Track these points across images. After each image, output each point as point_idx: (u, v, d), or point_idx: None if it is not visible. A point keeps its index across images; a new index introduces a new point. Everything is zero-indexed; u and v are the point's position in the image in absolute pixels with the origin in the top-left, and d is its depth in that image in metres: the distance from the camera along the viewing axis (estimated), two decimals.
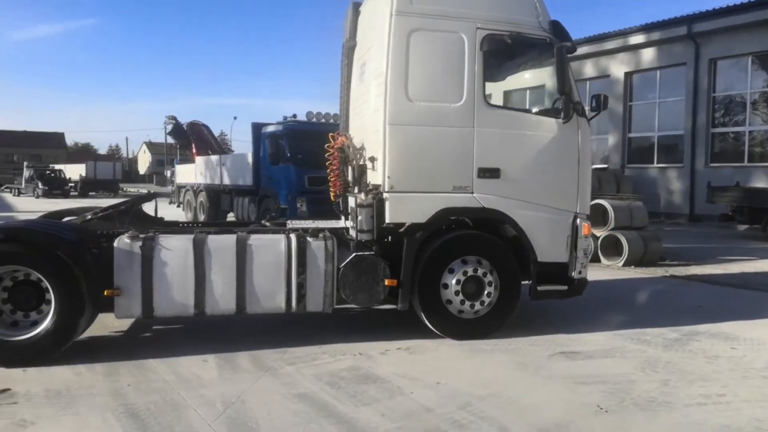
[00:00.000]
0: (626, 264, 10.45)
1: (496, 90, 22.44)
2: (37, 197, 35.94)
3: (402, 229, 5.74)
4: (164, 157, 54.80)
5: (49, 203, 30.92)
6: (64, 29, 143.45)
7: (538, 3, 5.94)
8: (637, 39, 20.21)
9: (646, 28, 20.01)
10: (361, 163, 6.22)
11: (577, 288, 6.13)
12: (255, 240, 5.48)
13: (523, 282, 6.09)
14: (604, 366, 5.08)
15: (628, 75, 21.02)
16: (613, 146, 21.28)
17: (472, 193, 5.76)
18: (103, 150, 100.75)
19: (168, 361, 5.13)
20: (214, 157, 17.73)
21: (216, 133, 24.30)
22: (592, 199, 11.15)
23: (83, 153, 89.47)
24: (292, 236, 5.53)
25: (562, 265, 6.06)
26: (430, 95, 5.67)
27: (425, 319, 5.80)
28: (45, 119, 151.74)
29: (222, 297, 5.35)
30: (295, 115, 14.18)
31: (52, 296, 4.99)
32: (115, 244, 5.21)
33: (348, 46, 6.97)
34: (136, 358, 5.17)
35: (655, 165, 20.24)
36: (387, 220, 5.64)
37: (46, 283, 5.00)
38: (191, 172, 19.28)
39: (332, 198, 6.89)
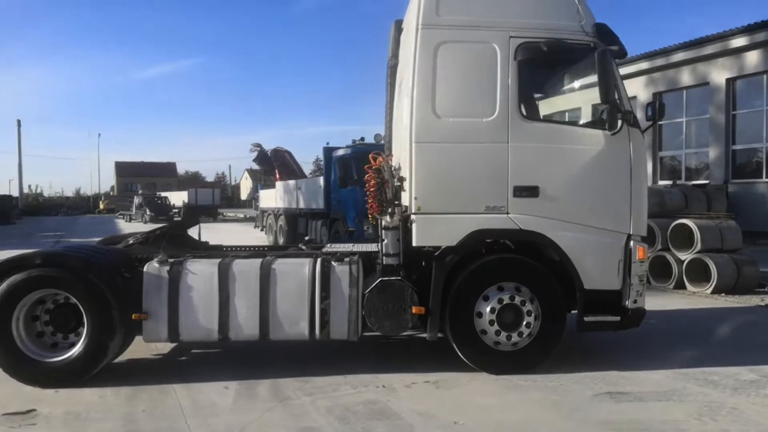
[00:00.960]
0: (715, 291, 9.34)
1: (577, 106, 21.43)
2: (145, 222, 38.74)
3: (437, 254, 5.40)
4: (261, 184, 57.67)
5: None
6: (177, 67, 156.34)
7: (580, 5, 5.46)
8: (740, 42, 18.43)
9: (749, 29, 18.22)
10: (396, 183, 5.98)
11: (632, 319, 5.47)
12: (279, 265, 5.39)
13: (573, 311, 5.54)
14: (654, 410, 4.43)
15: (731, 81, 19.20)
16: (715, 160, 19.44)
17: (507, 213, 5.33)
18: (210, 177, 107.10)
19: (192, 386, 5.12)
20: (292, 182, 18.21)
21: (311, 160, 25.03)
22: (677, 218, 10.19)
23: (192, 181, 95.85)
24: (318, 261, 5.38)
25: (613, 293, 5.44)
26: (460, 110, 5.36)
27: (458, 350, 5.40)
28: (159, 150, 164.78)
29: (245, 322, 5.28)
30: (363, 138, 14.25)
31: (85, 319, 5.15)
32: (145, 268, 5.31)
33: (391, 65, 6.82)
34: (163, 382, 5.20)
35: (765, 179, 18.23)
36: (414, 243, 5.35)
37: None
38: (272, 197, 19.92)
39: (370, 220, 6.68)
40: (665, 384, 5.05)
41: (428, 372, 5.40)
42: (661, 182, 19.74)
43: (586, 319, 5.41)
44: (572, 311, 5.56)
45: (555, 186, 5.37)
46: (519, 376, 5.26)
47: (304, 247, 6.56)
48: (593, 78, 5.43)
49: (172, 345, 6.32)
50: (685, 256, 9.81)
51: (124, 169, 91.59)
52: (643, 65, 20.29)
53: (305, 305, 5.29)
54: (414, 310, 5.32)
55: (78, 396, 4.91)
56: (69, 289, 5.14)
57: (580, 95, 6.33)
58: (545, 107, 6.71)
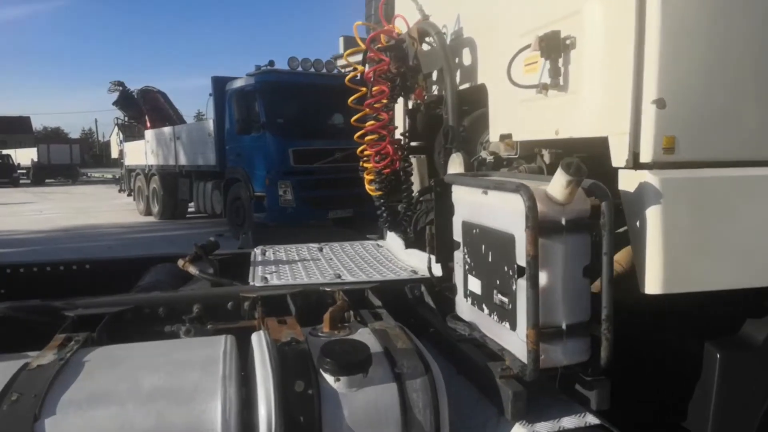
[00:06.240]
0: None
1: None
2: None
3: None
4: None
5: None
6: (36, 10, 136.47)
7: None
8: None
9: None
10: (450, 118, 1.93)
11: None
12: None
13: None
14: None
15: None
16: None
17: None
18: (75, 134, 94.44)
19: None
20: (167, 130, 13.33)
21: (192, 113, 19.81)
22: None
23: (52, 137, 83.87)
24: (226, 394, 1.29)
25: None
26: None
27: None
28: (12, 103, 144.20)
29: None
30: (272, 62, 9.81)
31: None
32: None
33: None
34: None
35: None
36: (650, 288, 1.37)
37: None
38: (141, 151, 14.85)
39: (374, 194, 2.63)
40: None
41: None
42: None
43: None
44: None
45: None
46: None
47: (201, 275, 2.31)
48: None
49: None
50: None
51: None
52: None
53: None
54: None
55: None
56: None
57: None
58: None
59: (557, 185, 1.29)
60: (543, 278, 1.32)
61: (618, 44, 1.39)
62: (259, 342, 1.42)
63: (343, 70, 11.19)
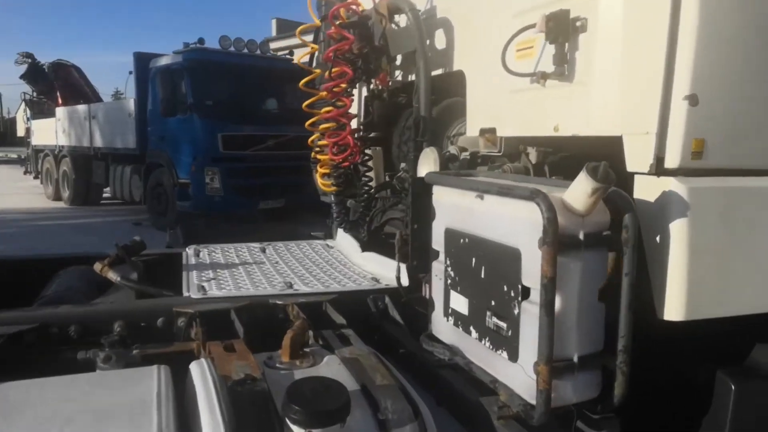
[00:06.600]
0: None
1: None
2: None
3: None
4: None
5: None
6: None
7: None
8: None
9: None
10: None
11: None
12: None
13: None
14: None
15: None
16: None
17: None
18: None
19: None
20: (81, 108, 12.32)
21: (109, 92, 18.47)
22: None
23: None
24: None
25: None
26: None
27: None
28: None
29: None
30: (202, 40, 9.20)
31: None
32: None
33: None
34: None
35: None
36: (670, 314, 1.20)
37: None
38: (51, 130, 13.69)
39: (328, 191, 2.36)
40: None
41: None
42: None
43: None
44: None
45: None
46: None
47: (117, 281, 1.95)
48: None
49: None
50: None
51: None
52: None
53: None
54: None
55: None
56: None
57: None
58: None
59: (579, 193, 1.08)
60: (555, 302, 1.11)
61: (644, 28, 1.20)
62: (203, 379, 1.12)
63: (276, 54, 10.76)
